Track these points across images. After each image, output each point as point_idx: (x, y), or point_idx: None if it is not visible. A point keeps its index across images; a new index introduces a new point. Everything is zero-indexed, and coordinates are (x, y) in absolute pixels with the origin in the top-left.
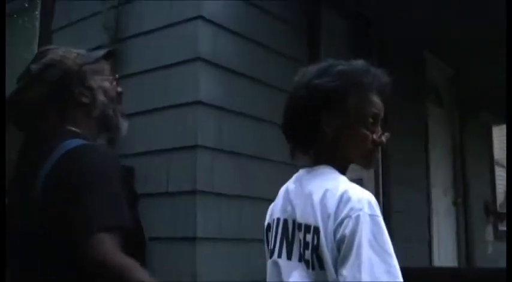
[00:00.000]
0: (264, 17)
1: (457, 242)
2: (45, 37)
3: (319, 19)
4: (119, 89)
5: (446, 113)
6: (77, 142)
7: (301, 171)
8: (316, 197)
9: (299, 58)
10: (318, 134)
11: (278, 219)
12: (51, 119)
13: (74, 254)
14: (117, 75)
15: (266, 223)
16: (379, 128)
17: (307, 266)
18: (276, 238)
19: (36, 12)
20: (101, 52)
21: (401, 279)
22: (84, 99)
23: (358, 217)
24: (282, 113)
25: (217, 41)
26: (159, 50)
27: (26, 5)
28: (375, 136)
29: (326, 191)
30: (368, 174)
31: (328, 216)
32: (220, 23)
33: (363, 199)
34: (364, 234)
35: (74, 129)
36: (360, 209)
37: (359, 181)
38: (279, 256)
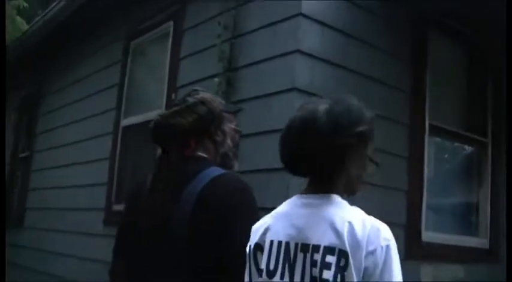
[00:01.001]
0: (362, 46)
1: None
2: (174, 65)
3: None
4: (238, 139)
5: None
6: (219, 170)
7: (299, 198)
8: (340, 223)
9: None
10: (337, 171)
11: (279, 242)
12: (191, 144)
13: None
14: (240, 129)
15: (254, 243)
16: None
17: None
18: (277, 260)
19: (167, 42)
20: (234, 107)
21: None
22: (217, 138)
23: (388, 247)
24: (287, 140)
25: (314, 73)
26: (262, 80)
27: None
28: (369, 172)
29: (354, 219)
30: None
31: (358, 243)
32: (317, 55)
33: (386, 229)
34: (395, 263)
35: (206, 156)
36: (389, 240)
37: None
38: (282, 278)
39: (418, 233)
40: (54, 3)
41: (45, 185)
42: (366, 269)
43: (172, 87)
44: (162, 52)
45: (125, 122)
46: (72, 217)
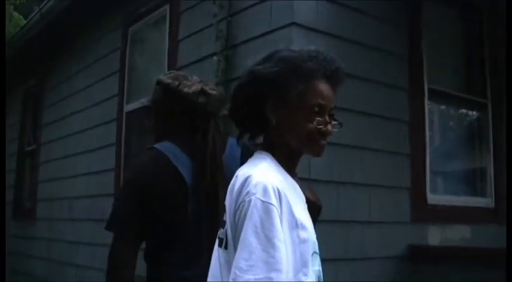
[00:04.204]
0: (356, 15)
1: None
2: (173, 47)
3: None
4: None
5: None
6: None
7: None
8: (233, 180)
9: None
10: (263, 121)
11: None
12: None
13: None
14: None
15: None
16: (326, 117)
17: (220, 244)
18: None
19: (164, 26)
20: None
21: (282, 271)
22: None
23: (250, 201)
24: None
25: (310, 44)
26: (260, 55)
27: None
28: (317, 126)
29: (238, 175)
30: None
31: (231, 198)
32: (313, 26)
33: (259, 184)
34: (252, 220)
35: None
36: (254, 194)
37: None
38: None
39: (424, 196)
40: None
41: (54, 176)
42: (236, 225)
43: (172, 69)
44: (160, 36)
45: (128, 107)
46: (83, 205)
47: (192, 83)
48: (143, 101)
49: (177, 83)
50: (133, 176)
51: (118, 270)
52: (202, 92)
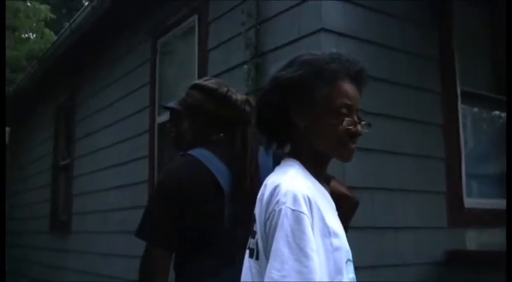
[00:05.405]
0: (384, 17)
1: None
2: (202, 57)
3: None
4: None
5: None
6: None
7: None
8: (262, 189)
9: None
10: (289, 127)
11: None
12: None
13: None
14: None
15: None
16: (355, 118)
17: (251, 255)
18: None
19: (193, 37)
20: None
21: (316, 281)
22: None
23: (280, 211)
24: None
25: (340, 49)
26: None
27: (185, 31)
28: (347, 126)
29: (267, 183)
30: None
31: (261, 208)
32: (341, 31)
33: (288, 192)
34: (283, 230)
35: None
36: (284, 203)
37: None
38: None
39: (460, 200)
40: (80, 11)
41: (88, 189)
42: (267, 235)
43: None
44: (189, 46)
45: (159, 119)
46: (117, 217)
47: (236, 91)
48: (170, 104)
49: (225, 89)
50: (167, 181)
51: (150, 278)
52: (247, 101)
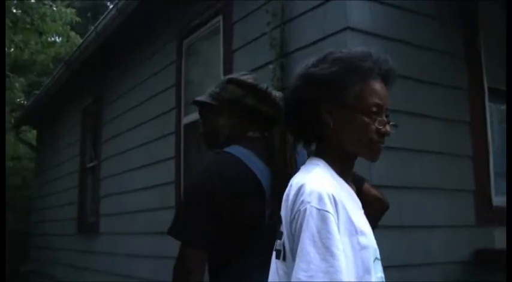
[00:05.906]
0: (409, 15)
1: None
2: (228, 58)
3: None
4: None
5: None
6: None
7: None
8: (288, 189)
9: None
10: (318, 125)
11: None
12: None
13: None
14: None
15: None
16: (384, 117)
17: (277, 256)
18: None
19: (218, 37)
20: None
21: (344, 280)
22: None
23: (305, 211)
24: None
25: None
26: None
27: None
28: (378, 126)
29: (292, 183)
30: None
31: (287, 208)
32: (367, 30)
33: (313, 192)
34: (308, 229)
35: None
36: (309, 202)
37: None
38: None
39: (488, 198)
40: (104, 14)
41: (116, 191)
42: (293, 235)
43: None
44: (214, 47)
45: (185, 119)
46: (144, 218)
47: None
48: (201, 97)
49: (265, 85)
50: (204, 179)
51: (186, 278)
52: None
